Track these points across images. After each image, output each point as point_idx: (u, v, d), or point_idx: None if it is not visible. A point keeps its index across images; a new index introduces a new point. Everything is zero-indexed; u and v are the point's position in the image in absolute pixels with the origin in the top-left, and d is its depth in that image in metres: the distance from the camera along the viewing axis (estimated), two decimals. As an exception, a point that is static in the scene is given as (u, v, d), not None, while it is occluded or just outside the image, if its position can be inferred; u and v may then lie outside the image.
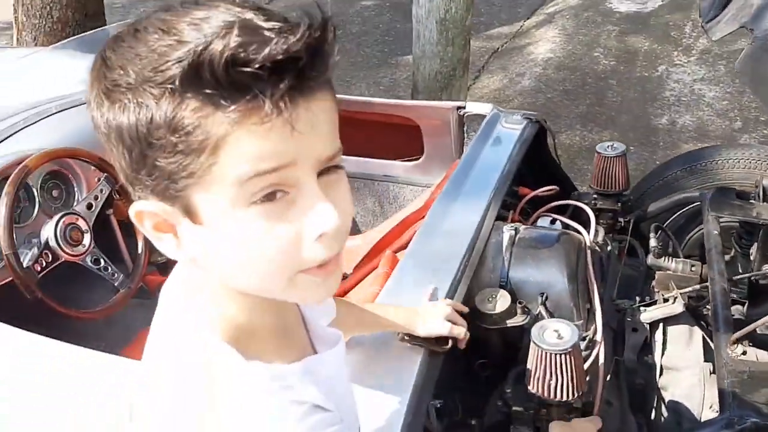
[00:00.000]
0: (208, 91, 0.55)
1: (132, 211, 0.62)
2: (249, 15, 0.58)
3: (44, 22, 3.93)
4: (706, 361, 1.55)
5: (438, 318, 1.23)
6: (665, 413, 1.52)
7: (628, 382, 1.57)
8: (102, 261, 1.78)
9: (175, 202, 0.60)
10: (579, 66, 4.30)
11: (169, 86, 0.55)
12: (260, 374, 0.66)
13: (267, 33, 0.55)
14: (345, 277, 2.02)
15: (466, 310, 1.32)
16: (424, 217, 1.92)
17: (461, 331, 1.25)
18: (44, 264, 1.65)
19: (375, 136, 2.43)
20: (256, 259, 0.61)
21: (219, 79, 0.54)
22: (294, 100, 0.56)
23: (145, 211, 0.62)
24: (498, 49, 4.69)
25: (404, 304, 1.27)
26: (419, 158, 2.39)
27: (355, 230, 2.52)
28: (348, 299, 1.63)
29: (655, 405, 1.54)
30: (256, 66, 0.54)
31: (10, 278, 1.59)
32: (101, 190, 1.83)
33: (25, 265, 1.61)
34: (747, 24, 1.83)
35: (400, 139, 2.39)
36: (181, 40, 0.56)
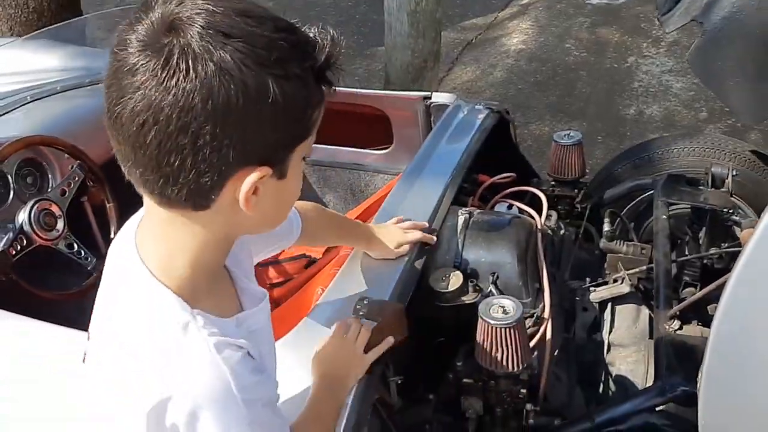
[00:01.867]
0: (324, 75, 0.74)
1: (248, 187, 0.73)
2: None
3: (20, 12, 3.94)
4: (650, 338, 1.63)
5: (389, 243, 1.41)
6: (612, 387, 1.60)
7: (578, 358, 1.65)
8: (75, 245, 1.84)
9: (278, 165, 0.75)
10: (550, 57, 4.38)
11: (305, 74, 0.73)
12: (203, 321, 0.79)
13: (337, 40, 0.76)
14: (314, 261, 2.09)
15: (425, 225, 1.50)
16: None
17: (420, 237, 1.46)
18: (18, 248, 1.71)
19: (345, 125, 2.49)
20: (296, 194, 0.81)
21: (324, 74, 0.74)
22: None
23: (252, 188, 0.73)
24: (471, 40, 4.76)
25: (356, 289, 1.35)
26: (388, 147, 2.45)
27: (327, 217, 2.58)
28: (314, 283, 1.70)
29: (602, 380, 1.62)
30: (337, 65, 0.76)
31: (-15, 261, 1.64)
32: (74, 177, 1.88)
33: (-1, 248, 1.66)
34: (697, 17, 1.91)
35: (370, 128, 2.46)
36: (297, 41, 0.73)
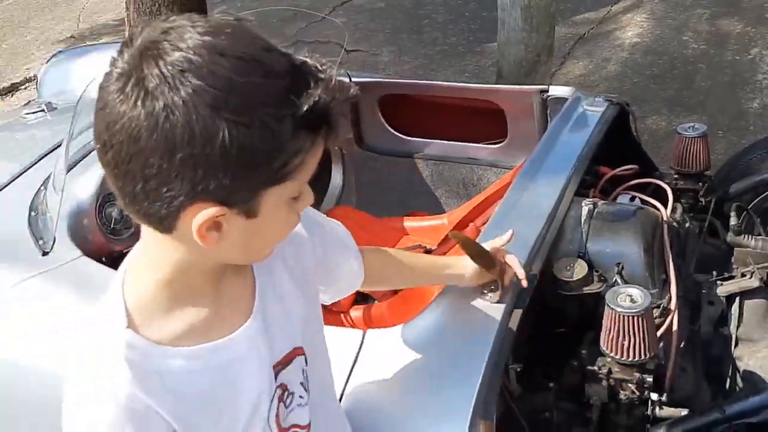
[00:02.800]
0: (309, 121, 0.72)
1: (200, 223, 0.72)
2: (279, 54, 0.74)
3: (153, 19, 4.22)
4: (782, 334, 1.59)
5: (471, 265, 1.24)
6: (740, 382, 1.57)
7: (704, 352, 1.63)
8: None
9: (241, 206, 0.73)
10: (667, 50, 4.25)
11: (287, 115, 0.71)
12: (122, 338, 0.77)
13: (333, 82, 0.73)
14: (429, 252, 2.15)
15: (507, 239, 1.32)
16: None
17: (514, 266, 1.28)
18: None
19: (459, 119, 2.54)
20: (278, 236, 0.83)
21: (319, 116, 0.72)
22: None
23: (208, 222, 0.73)
24: (584, 35, 4.69)
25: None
26: (503, 141, 2.47)
27: (440, 210, 2.64)
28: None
29: (729, 374, 1.60)
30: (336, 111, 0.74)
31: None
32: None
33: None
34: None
35: (484, 122, 2.49)
36: (275, 72, 0.72)
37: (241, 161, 0.69)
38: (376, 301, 1.96)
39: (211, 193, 0.71)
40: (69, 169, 1.76)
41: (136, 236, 1.84)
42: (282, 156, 0.72)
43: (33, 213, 1.75)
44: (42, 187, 1.83)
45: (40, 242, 1.64)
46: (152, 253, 0.80)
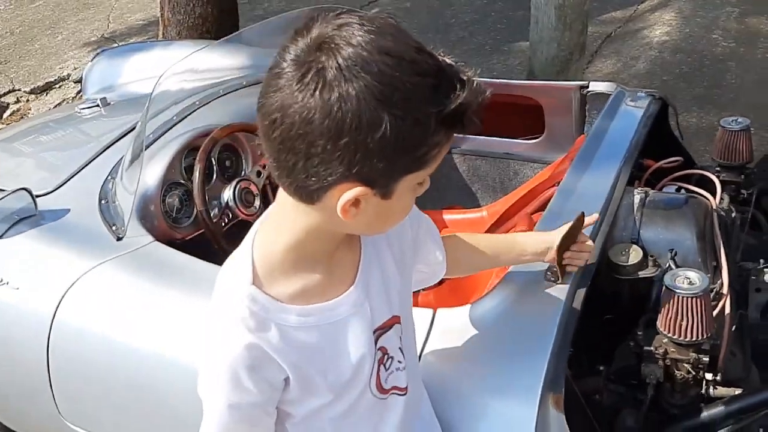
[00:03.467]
0: (449, 119, 0.80)
1: (346, 200, 0.82)
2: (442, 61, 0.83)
3: (187, 18, 4.31)
4: (830, 320, 1.64)
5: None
6: (787, 367, 1.62)
7: (752, 336, 1.68)
8: (269, 221, 2.05)
9: (381, 188, 0.83)
10: (696, 49, 4.30)
11: (439, 120, 0.80)
12: (247, 292, 0.88)
13: (474, 85, 0.82)
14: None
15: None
16: (550, 186, 2.09)
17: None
18: (226, 221, 1.94)
19: (497, 115, 2.58)
20: (398, 217, 0.91)
21: (458, 117, 0.81)
22: None
23: (351, 200, 0.82)
24: (611, 33, 4.74)
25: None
26: (540, 137, 2.52)
27: (476, 204, 2.69)
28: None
29: (777, 358, 1.65)
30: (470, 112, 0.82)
31: (200, 230, 1.88)
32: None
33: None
34: None
35: (521, 118, 2.54)
36: (448, 91, 0.80)
37: (394, 150, 0.79)
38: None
39: (362, 175, 0.80)
40: (133, 159, 1.84)
41: (195, 225, 1.93)
42: (424, 147, 0.81)
43: (103, 201, 1.83)
44: (110, 177, 1.91)
45: (113, 228, 1.73)
46: (286, 218, 0.89)
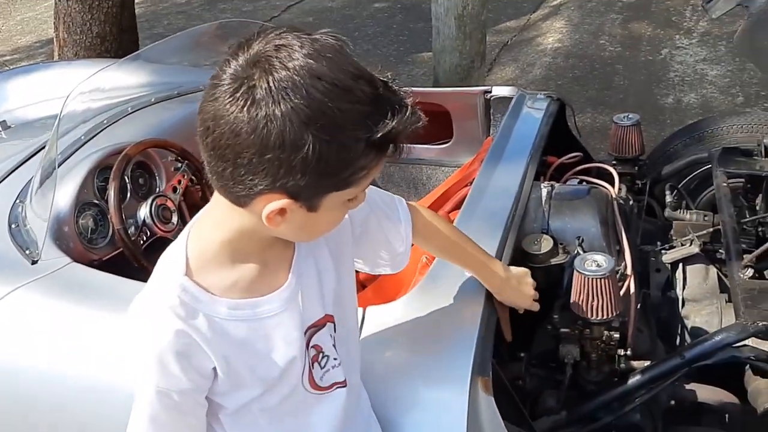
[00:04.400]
0: (379, 143, 0.84)
1: (271, 210, 0.86)
2: (382, 89, 0.86)
3: (84, 38, 4.19)
4: (721, 293, 1.79)
5: (524, 292, 1.43)
6: (688, 339, 1.76)
7: (655, 314, 1.82)
8: (188, 237, 2.04)
9: (305, 201, 0.86)
10: (586, 54, 4.55)
11: (364, 138, 0.82)
12: (179, 282, 0.91)
13: (408, 112, 0.85)
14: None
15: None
16: (464, 186, 2.18)
17: (537, 307, 1.47)
18: (144, 239, 1.91)
19: (407, 123, 2.67)
20: (324, 229, 0.96)
21: (386, 147, 0.85)
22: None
23: (276, 211, 0.86)
24: (507, 42, 4.95)
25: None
26: (449, 141, 2.61)
27: (392, 210, 2.75)
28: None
29: (679, 332, 1.79)
30: (404, 136, 0.86)
31: (118, 250, 1.85)
32: (183, 176, 2.09)
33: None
34: (742, 2, 2.07)
35: (430, 124, 2.62)
36: (377, 113, 0.83)
37: (317, 170, 0.83)
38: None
39: (286, 188, 0.84)
40: (44, 181, 1.79)
41: (112, 245, 1.89)
42: (350, 169, 0.85)
43: (14, 225, 1.77)
44: (18, 201, 1.85)
45: (27, 252, 1.67)
46: (220, 216, 0.93)
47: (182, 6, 6.35)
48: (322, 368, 1.04)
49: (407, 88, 0.89)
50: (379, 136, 0.82)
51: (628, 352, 1.55)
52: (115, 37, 4.25)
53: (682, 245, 1.88)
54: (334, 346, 1.06)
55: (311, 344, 1.02)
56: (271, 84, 0.80)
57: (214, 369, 0.94)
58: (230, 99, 0.81)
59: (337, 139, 0.82)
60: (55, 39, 4.40)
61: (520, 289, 1.42)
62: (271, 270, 0.98)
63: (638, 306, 1.67)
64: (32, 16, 6.46)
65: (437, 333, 1.35)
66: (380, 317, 1.39)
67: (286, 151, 0.81)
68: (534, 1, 5.55)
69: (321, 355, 1.03)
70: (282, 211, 0.87)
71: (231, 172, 0.84)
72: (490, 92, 2.49)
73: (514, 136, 2.04)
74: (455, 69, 3.56)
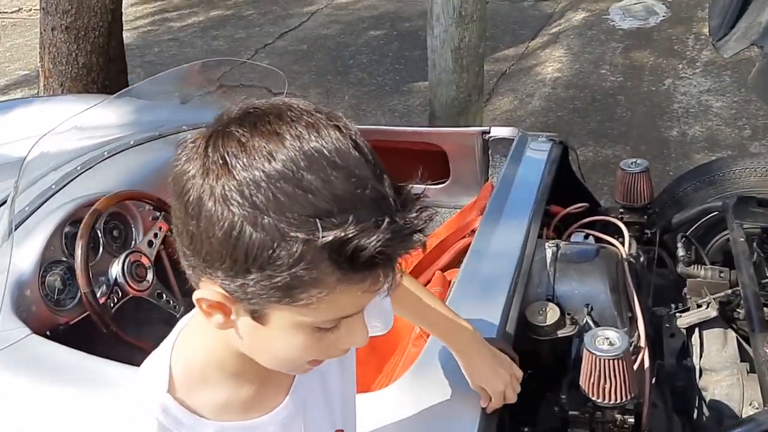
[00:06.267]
0: (341, 261, 0.66)
1: (196, 297, 0.73)
2: (380, 188, 0.69)
3: (70, 69, 4.07)
4: (742, 361, 1.65)
5: (498, 373, 1.20)
6: (707, 413, 1.61)
7: (670, 384, 1.67)
8: (164, 295, 1.89)
9: (247, 305, 0.70)
10: (587, 84, 4.44)
11: (312, 242, 0.65)
12: (159, 402, 0.78)
13: (403, 231, 0.68)
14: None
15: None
16: (461, 237, 2.04)
17: (514, 397, 1.23)
18: (115, 300, 1.77)
19: (402, 161, 2.54)
20: (287, 356, 0.76)
21: (356, 261, 0.66)
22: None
23: (207, 300, 0.72)
24: (505, 71, 4.83)
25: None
26: (445, 182, 2.50)
27: (387, 253, 2.63)
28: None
29: (696, 405, 1.64)
30: (383, 259, 0.67)
31: (86, 313, 1.71)
32: (160, 228, 1.94)
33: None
34: (756, 42, 1.95)
35: (426, 163, 2.50)
36: (323, 198, 0.66)
37: (239, 258, 0.67)
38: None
39: (219, 278, 0.69)
40: (11, 232, 1.65)
41: (81, 305, 1.74)
42: (291, 277, 0.67)
43: (-32, 290, 1.62)
44: (-24, 260, 1.71)
45: (-19, 322, 1.53)
46: (205, 322, 0.76)
47: (175, 32, 6.24)
48: None
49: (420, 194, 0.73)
50: (334, 241, 0.65)
51: (644, 435, 1.40)
52: (102, 67, 4.13)
53: (698, 307, 1.74)
54: None
55: None
56: (228, 187, 0.68)
57: None
58: (184, 167, 0.71)
59: (268, 227, 0.65)
60: (40, 69, 4.28)
61: (495, 368, 1.20)
62: (271, 385, 0.84)
63: (653, 380, 1.52)
64: (22, 43, 6.35)
65: (434, 418, 1.21)
66: (370, 406, 1.24)
67: (223, 241, 0.67)
68: (532, 28, 5.45)
69: None
70: (221, 307, 0.72)
71: (179, 242, 0.73)
72: (489, 133, 2.38)
73: (516, 186, 1.91)
74: (452, 102, 3.44)
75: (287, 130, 0.68)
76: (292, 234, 0.65)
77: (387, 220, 0.67)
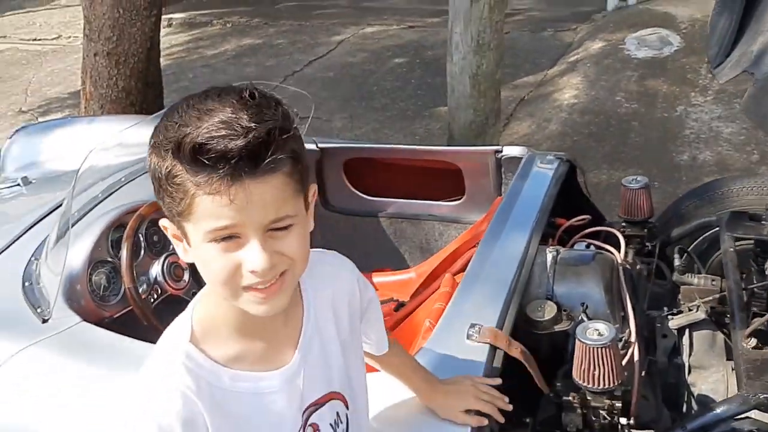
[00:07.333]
0: (184, 163, 0.85)
1: (160, 222, 0.95)
2: (239, 111, 0.86)
3: (110, 92, 4.32)
4: (728, 360, 1.78)
5: (460, 406, 1.32)
6: (695, 406, 1.74)
7: (661, 380, 1.80)
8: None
9: (177, 227, 0.91)
10: (602, 110, 4.59)
11: (168, 151, 0.85)
12: (183, 349, 0.94)
13: (232, 131, 0.84)
14: (402, 304, 2.29)
15: (498, 382, 1.40)
16: (473, 247, 2.19)
17: (490, 410, 1.34)
18: (155, 296, 1.95)
19: (420, 179, 2.70)
20: (212, 275, 0.91)
21: (187, 157, 0.84)
22: (234, 182, 0.84)
23: (165, 226, 0.95)
24: (524, 97, 5.01)
25: (465, 319, 1.52)
26: (461, 198, 2.64)
27: (404, 266, 2.78)
28: (417, 315, 1.89)
29: (685, 399, 1.77)
30: (207, 156, 0.83)
31: (129, 308, 1.89)
32: (196, 234, 2.13)
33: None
34: (748, 69, 2.10)
35: (442, 181, 2.66)
36: (185, 123, 0.86)
37: (155, 187, 0.90)
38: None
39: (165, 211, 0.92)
40: (59, 239, 1.84)
41: (123, 302, 1.93)
42: (170, 189, 0.87)
43: (27, 283, 1.81)
44: (33, 258, 1.90)
45: (39, 310, 1.71)
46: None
47: (208, 59, 6.53)
48: None
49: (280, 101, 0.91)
50: (173, 143, 0.84)
51: (632, 422, 1.53)
52: (140, 91, 4.37)
53: (690, 310, 1.87)
54: (330, 424, 1.07)
55: (309, 422, 1.04)
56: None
57: None
58: None
59: (151, 151, 0.88)
60: (82, 92, 4.54)
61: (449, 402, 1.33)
62: (276, 348, 1.01)
63: (643, 373, 1.66)
64: (62, 68, 6.67)
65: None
66: (380, 383, 1.39)
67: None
68: (551, 56, 5.63)
69: None
70: (176, 235, 0.93)
71: None
72: (501, 152, 2.52)
73: (522, 198, 2.06)
74: (470, 126, 3.61)
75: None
76: (162, 152, 0.86)
77: (220, 122, 0.84)
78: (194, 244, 0.90)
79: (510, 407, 1.37)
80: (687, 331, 1.84)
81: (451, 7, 3.47)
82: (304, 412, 1.03)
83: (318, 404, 1.04)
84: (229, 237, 0.88)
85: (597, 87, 4.85)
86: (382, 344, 1.26)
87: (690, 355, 1.79)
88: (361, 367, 1.17)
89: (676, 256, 2.09)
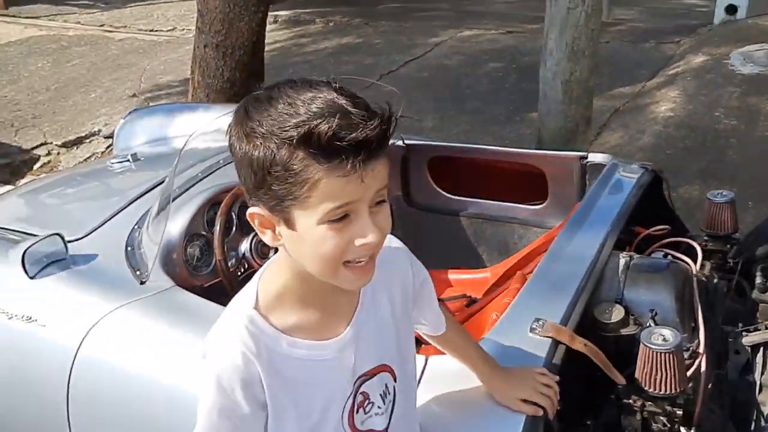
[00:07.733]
0: (312, 151, 0.89)
1: (248, 212, 0.98)
2: (343, 101, 0.91)
3: (216, 82, 4.56)
4: (803, 382, 1.74)
5: (518, 393, 1.35)
6: (763, 424, 1.71)
7: (730, 396, 1.78)
8: (281, 273, 2.20)
9: (278, 214, 0.95)
10: (699, 125, 4.46)
11: (287, 141, 0.90)
12: (248, 314, 1.02)
13: (355, 120, 0.90)
14: (474, 301, 2.34)
15: (556, 378, 1.41)
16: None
17: (546, 403, 1.35)
18: (242, 270, 2.09)
19: (503, 181, 2.73)
20: (321, 254, 0.96)
21: (322, 146, 0.89)
22: (365, 164, 0.91)
23: (256, 213, 0.98)
24: (619, 108, 4.93)
25: (530, 313, 1.56)
26: (543, 203, 2.65)
27: (481, 265, 2.81)
28: (487, 311, 1.94)
29: (754, 418, 1.74)
30: (345, 143, 0.89)
31: (218, 278, 2.03)
32: (284, 216, 2.26)
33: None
34: None
35: (525, 184, 2.68)
36: (297, 113, 0.91)
37: (263, 178, 0.92)
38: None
39: (262, 200, 0.96)
40: (160, 211, 2.00)
41: (213, 273, 2.06)
42: (279, 177, 0.91)
43: (129, 248, 1.98)
44: (136, 226, 2.08)
45: (138, 273, 1.87)
46: (283, 255, 1.03)
47: (308, 56, 6.74)
48: (366, 413, 1.12)
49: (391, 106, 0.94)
50: (298, 135, 0.88)
51: (693, 431, 1.53)
52: (244, 82, 4.60)
53: (766, 328, 1.84)
54: (380, 395, 1.14)
55: (360, 391, 1.11)
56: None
57: (265, 402, 1.03)
58: None
59: (258, 143, 0.91)
60: (190, 81, 4.82)
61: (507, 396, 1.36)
62: (333, 319, 1.08)
63: (710, 385, 1.65)
64: (174, 58, 7.05)
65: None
66: (441, 367, 1.45)
67: (237, 157, 0.96)
68: (651, 68, 5.51)
69: (367, 401, 1.12)
70: (268, 223, 0.97)
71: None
72: (586, 158, 2.52)
73: (600, 204, 2.07)
74: (559, 132, 3.61)
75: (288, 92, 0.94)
76: (275, 142, 0.90)
77: (339, 113, 0.90)
78: (303, 227, 0.94)
79: (556, 408, 1.38)
80: (761, 349, 1.80)
81: (547, 13, 3.48)
82: (355, 381, 1.10)
83: (368, 375, 1.11)
84: (343, 216, 0.94)
85: (695, 101, 4.72)
86: (439, 323, 1.31)
87: (762, 373, 1.76)
88: (411, 343, 1.23)
89: (758, 274, 2.05)
